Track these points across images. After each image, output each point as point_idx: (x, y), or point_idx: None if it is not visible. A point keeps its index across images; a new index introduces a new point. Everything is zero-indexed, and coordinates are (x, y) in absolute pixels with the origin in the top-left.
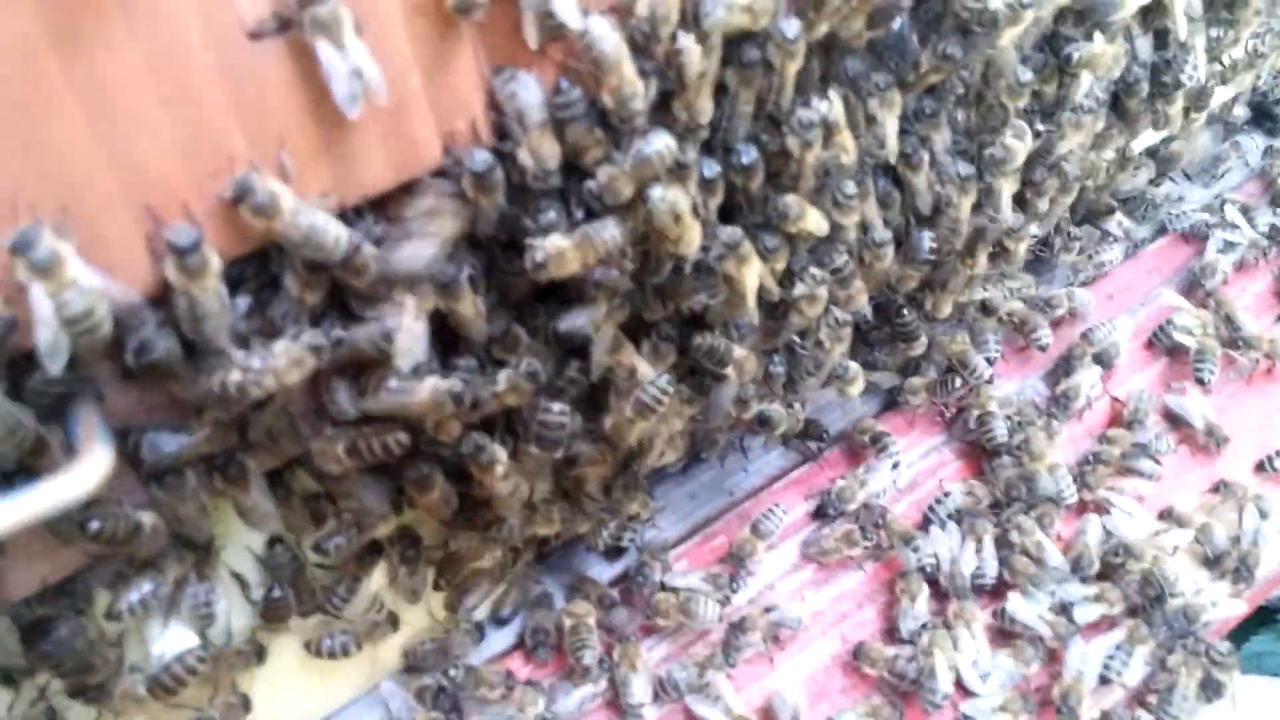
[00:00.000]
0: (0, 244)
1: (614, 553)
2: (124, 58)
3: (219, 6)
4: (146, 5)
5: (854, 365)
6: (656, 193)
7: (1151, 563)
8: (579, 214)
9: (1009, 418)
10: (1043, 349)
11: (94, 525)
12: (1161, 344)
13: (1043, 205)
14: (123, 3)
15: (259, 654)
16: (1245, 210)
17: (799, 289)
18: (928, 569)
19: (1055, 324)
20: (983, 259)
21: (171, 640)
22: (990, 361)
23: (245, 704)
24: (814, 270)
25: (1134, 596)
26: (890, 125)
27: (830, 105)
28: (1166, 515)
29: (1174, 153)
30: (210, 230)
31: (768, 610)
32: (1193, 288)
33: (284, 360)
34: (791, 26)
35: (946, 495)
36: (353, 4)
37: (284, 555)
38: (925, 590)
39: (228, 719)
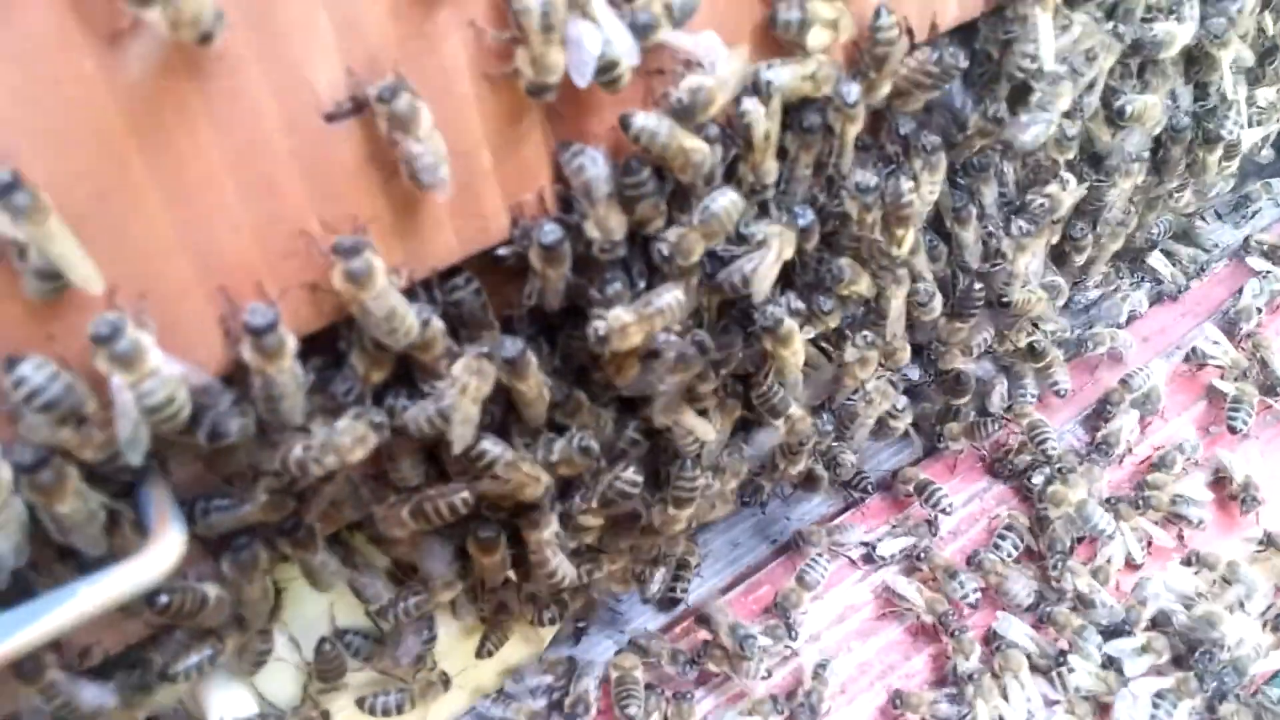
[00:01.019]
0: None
1: (667, 603)
2: (203, 145)
3: (296, 91)
4: (226, 93)
5: (904, 399)
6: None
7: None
8: (641, 283)
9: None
10: (1061, 395)
11: (163, 600)
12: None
13: (1085, 254)
14: (202, 91)
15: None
16: (1273, 250)
17: (850, 353)
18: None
19: (1093, 366)
20: None
21: (230, 706)
22: (1027, 402)
23: None
24: (865, 332)
25: (1180, 646)
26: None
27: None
28: (1195, 559)
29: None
30: (285, 309)
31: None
32: (1227, 331)
33: (348, 438)
34: (852, 91)
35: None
36: (427, 84)
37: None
38: (977, 649)
39: None
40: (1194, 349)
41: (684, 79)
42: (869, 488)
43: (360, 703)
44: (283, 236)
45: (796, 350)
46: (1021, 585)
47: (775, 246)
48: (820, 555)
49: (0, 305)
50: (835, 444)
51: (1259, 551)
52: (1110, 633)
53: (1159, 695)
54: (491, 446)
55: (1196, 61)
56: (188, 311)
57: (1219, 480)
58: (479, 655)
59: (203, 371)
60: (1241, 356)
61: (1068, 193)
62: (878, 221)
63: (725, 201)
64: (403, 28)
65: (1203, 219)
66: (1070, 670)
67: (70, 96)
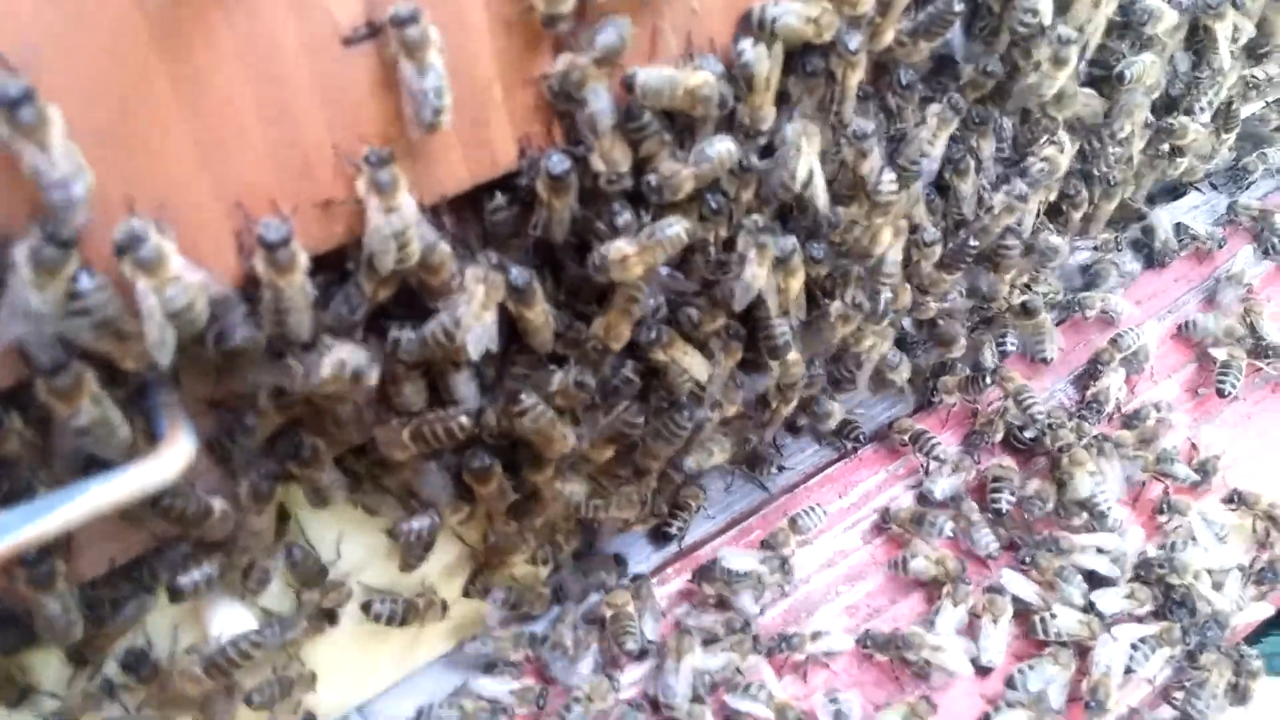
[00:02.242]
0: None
1: (661, 537)
2: (224, 64)
3: (315, 14)
4: (246, 14)
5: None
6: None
7: (1191, 579)
8: (648, 219)
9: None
10: (1045, 362)
11: (168, 503)
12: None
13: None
14: (225, 12)
15: (330, 618)
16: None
17: (836, 306)
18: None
19: (1078, 326)
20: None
21: (229, 622)
22: (1007, 354)
23: (313, 679)
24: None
25: (1161, 599)
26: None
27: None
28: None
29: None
30: (297, 226)
31: (815, 637)
32: (1218, 295)
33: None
34: (854, 39)
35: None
36: (442, 18)
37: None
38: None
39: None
40: (1187, 322)
41: None
42: (860, 437)
43: (365, 607)
44: (298, 156)
45: (800, 283)
46: (985, 534)
47: (805, 148)
48: (817, 505)
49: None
50: (825, 393)
51: (1230, 509)
52: (1095, 582)
53: (1141, 640)
54: (528, 398)
55: (1197, 31)
56: (205, 225)
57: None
58: (466, 594)
59: (219, 282)
60: (1233, 322)
61: (1064, 154)
62: (874, 171)
63: (721, 148)
64: None
65: (1197, 189)
66: (1054, 616)
67: (97, 11)
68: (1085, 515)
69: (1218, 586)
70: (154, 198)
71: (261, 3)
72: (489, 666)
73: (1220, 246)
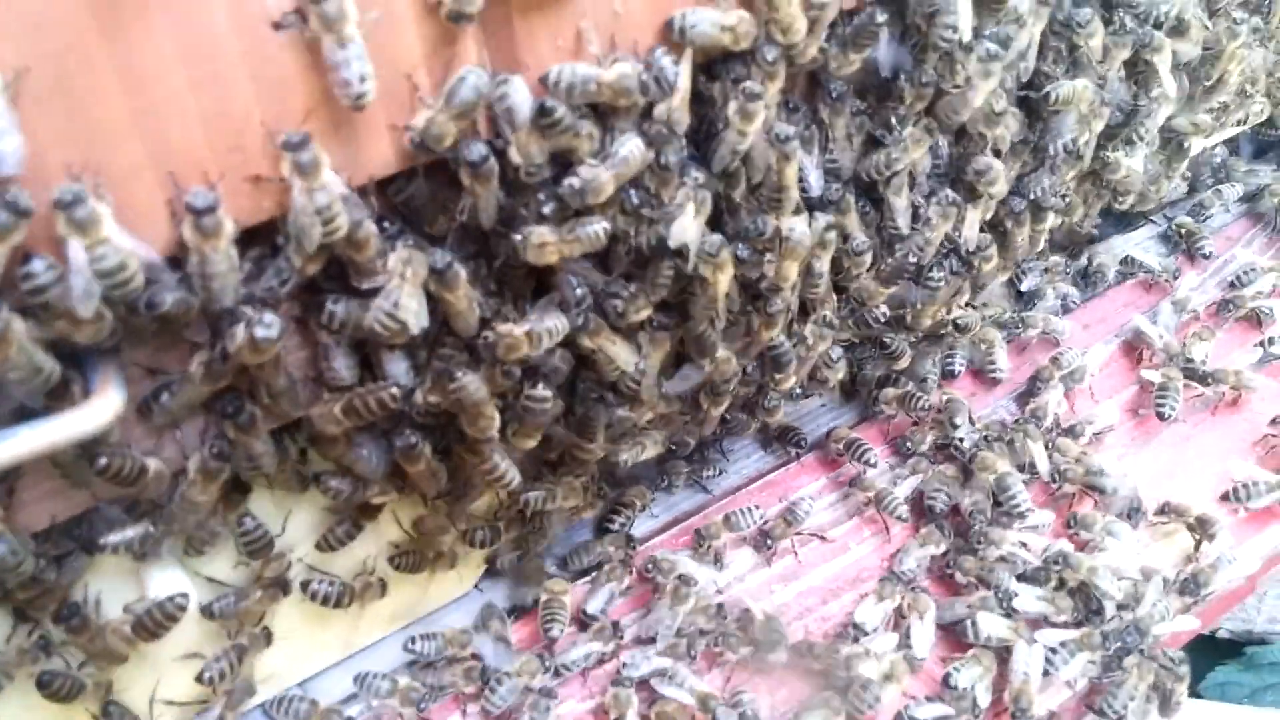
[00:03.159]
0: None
1: (603, 532)
2: (160, 40)
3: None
4: None
5: (839, 352)
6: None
7: (1087, 574)
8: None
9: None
10: (995, 380)
11: (103, 461)
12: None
13: (1020, 235)
14: None
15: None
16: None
17: (776, 304)
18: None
19: (1024, 347)
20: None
21: (163, 583)
22: (954, 374)
23: (268, 637)
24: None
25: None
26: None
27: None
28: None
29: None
30: (227, 198)
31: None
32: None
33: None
34: (772, 50)
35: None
36: (368, 4)
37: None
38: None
39: (254, 648)
40: (1136, 330)
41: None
42: (802, 443)
43: (304, 585)
44: (229, 131)
45: (728, 279)
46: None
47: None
48: (756, 507)
49: None
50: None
51: (1161, 523)
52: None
53: (1060, 644)
54: (463, 375)
55: (1137, 64)
56: (139, 193)
57: None
58: (392, 563)
59: (150, 249)
60: (1175, 342)
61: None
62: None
63: (631, 146)
64: None
65: (1152, 221)
66: (978, 621)
67: None
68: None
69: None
70: (89, 165)
71: None
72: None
73: (1175, 278)
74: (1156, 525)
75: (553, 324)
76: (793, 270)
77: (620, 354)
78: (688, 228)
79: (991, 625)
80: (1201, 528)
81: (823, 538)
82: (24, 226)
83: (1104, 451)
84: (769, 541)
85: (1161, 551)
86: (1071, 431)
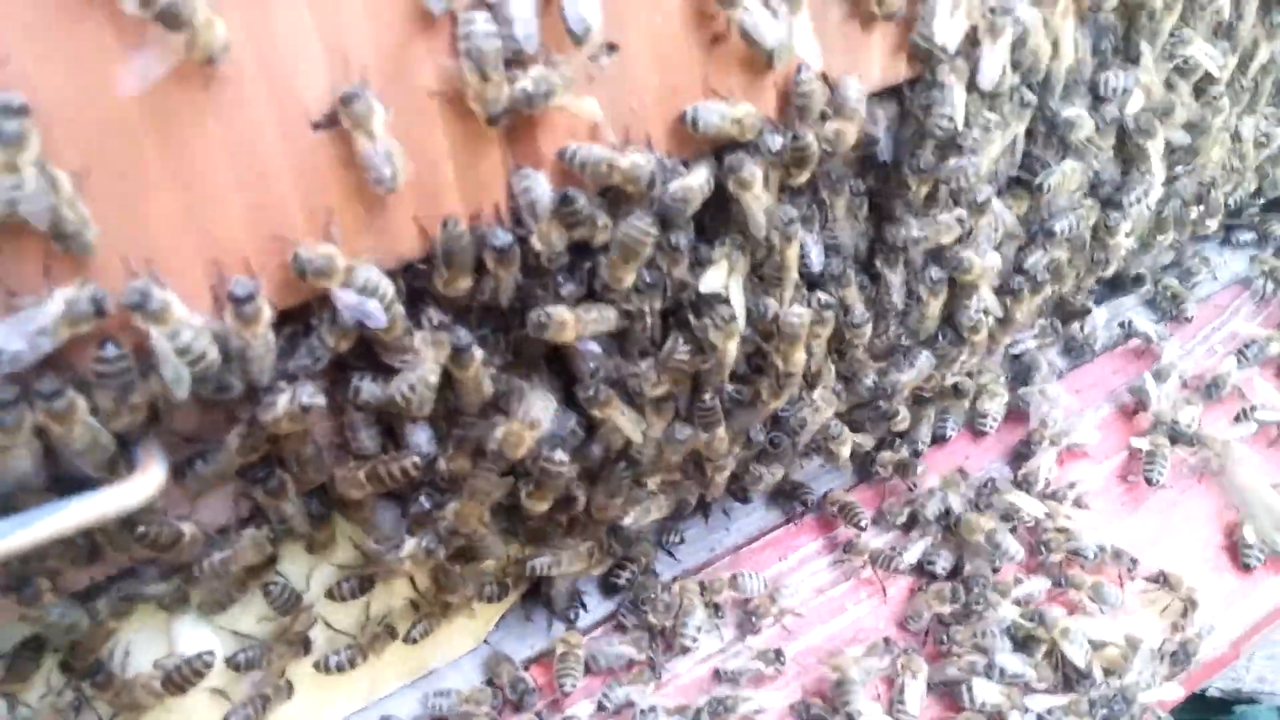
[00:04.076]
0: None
1: (611, 589)
2: (208, 140)
3: (290, 102)
4: (231, 100)
5: (843, 426)
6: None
7: (1059, 636)
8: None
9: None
10: (984, 432)
11: (141, 529)
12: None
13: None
14: (211, 96)
15: (305, 646)
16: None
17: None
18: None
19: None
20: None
21: (193, 640)
22: (946, 438)
23: (290, 689)
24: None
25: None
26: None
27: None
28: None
29: None
30: (266, 283)
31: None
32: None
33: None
34: (775, 140)
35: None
36: (401, 103)
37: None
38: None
39: (277, 699)
40: (1138, 389)
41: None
42: (809, 501)
43: (316, 665)
44: (270, 222)
45: (735, 347)
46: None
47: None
48: (758, 573)
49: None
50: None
51: (1151, 588)
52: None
53: (1048, 710)
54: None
55: (1126, 147)
56: (185, 280)
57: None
58: (405, 639)
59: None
60: (1167, 410)
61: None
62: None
63: (641, 224)
64: (383, 55)
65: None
66: (974, 687)
67: (100, 93)
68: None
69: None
70: (142, 254)
71: (244, 88)
72: None
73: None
74: (1146, 592)
75: (604, 314)
76: (797, 354)
77: (625, 424)
78: (717, 279)
79: (986, 692)
80: (1191, 604)
81: (799, 615)
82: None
83: (1093, 516)
84: (754, 620)
85: (1148, 617)
86: (1054, 497)
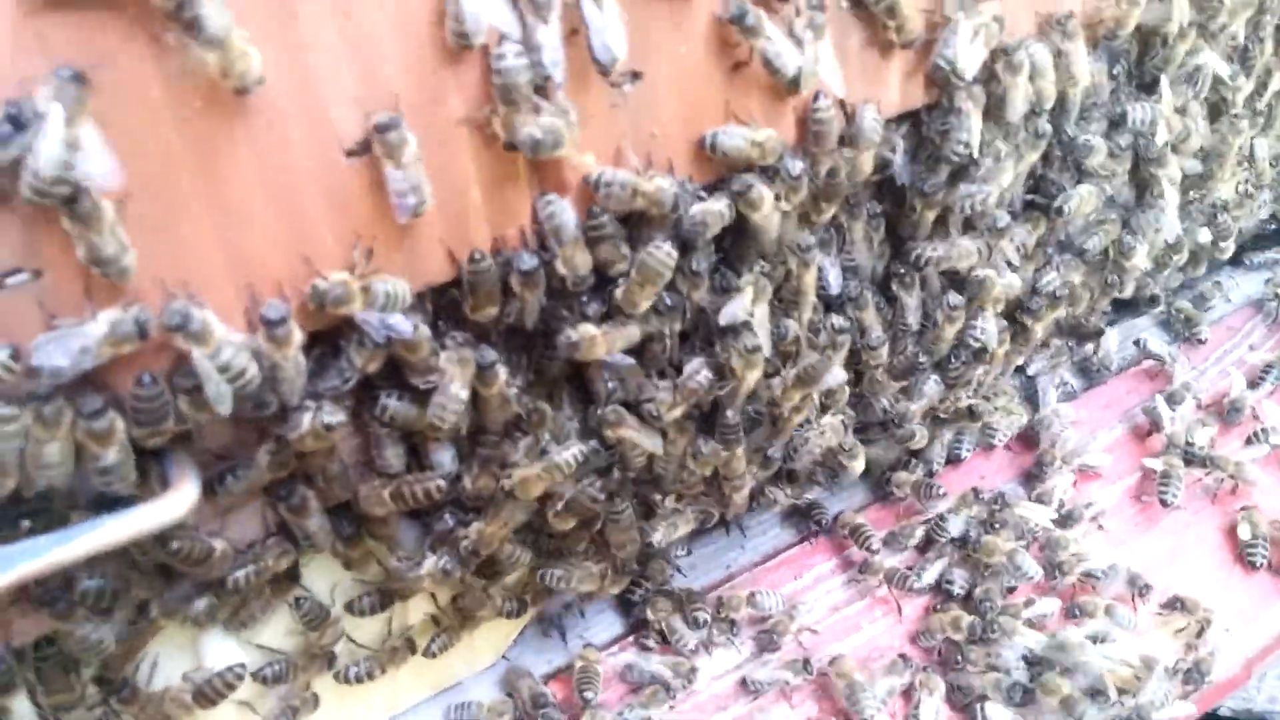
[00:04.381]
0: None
1: (626, 605)
2: (243, 167)
3: (323, 130)
4: (265, 127)
5: (857, 443)
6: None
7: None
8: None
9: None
10: (994, 445)
11: (175, 545)
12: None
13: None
14: (246, 124)
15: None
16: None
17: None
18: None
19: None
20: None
21: (221, 654)
22: (961, 459)
23: (316, 700)
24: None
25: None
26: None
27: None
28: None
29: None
30: (298, 308)
31: None
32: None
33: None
34: (796, 165)
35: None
36: (430, 131)
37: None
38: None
39: (304, 710)
40: (1151, 410)
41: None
42: (823, 520)
43: (335, 676)
44: (301, 245)
45: (756, 377)
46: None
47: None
48: (775, 590)
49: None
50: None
51: (1166, 613)
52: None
53: None
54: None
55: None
56: (218, 301)
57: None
58: (425, 653)
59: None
60: (1180, 432)
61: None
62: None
63: (660, 254)
64: (413, 84)
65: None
66: (987, 712)
67: (141, 120)
68: None
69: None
70: (179, 277)
71: (279, 122)
72: None
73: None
74: (1160, 615)
75: (630, 330)
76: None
77: (643, 440)
78: (740, 309)
79: (999, 716)
80: (1205, 621)
81: (815, 632)
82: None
83: (1108, 536)
84: (774, 638)
85: (1161, 638)
86: (1070, 518)
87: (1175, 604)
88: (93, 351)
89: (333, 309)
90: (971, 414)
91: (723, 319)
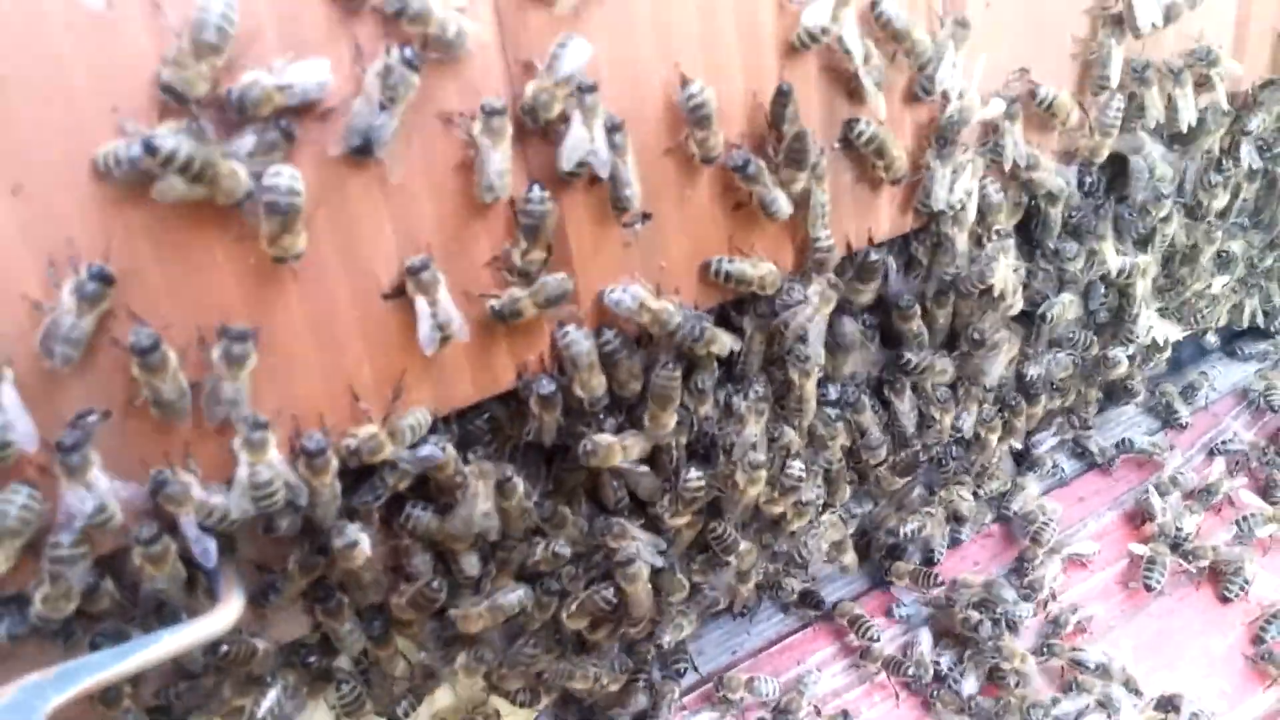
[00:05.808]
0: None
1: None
2: (292, 308)
3: (363, 277)
4: (313, 276)
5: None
6: None
7: None
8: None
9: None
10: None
11: (224, 649)
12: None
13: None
14: (296, 275)
15: None
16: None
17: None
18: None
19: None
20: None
21: None
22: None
23: None
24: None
25: None
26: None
27: None
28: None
29: None
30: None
31: None
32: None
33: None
34: (798, 291)
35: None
36: (459, 275)
37: None
38: None
39: None
40: (1143, 501)
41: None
42: (820, 605)
43: None
44: (343, 381)
45: (758, 491)
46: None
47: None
48: (774, 678)
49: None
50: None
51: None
52: None
53: None
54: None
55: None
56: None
57: None
58: None
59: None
60: (1171, 522)
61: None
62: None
63: (667, 372)
64: (445, 236)
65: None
66: None
67: (202, 272)
68: None
69: None
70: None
71: (324, 265)
72: None
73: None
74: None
75: (640, 440)
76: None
77: (643, 550)
78: (752, 433)
79: None
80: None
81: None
82: None
83: (1093, 625)
84: (787, 717)
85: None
86: (1056, 622)
87: (1165, 705)
88: None
89: (369, 459)
90: (958, 519)
91: (737, 452)
